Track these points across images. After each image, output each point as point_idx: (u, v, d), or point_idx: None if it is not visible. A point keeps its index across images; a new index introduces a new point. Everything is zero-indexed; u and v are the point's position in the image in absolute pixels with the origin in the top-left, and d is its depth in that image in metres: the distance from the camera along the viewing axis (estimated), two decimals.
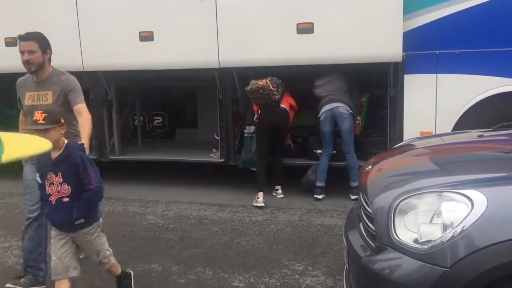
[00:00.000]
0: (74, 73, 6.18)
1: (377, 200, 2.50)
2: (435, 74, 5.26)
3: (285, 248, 4.32)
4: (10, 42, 6.48)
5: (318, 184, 5.80)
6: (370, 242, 2.49)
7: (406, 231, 2.27)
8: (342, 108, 5.63)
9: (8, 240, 4.56)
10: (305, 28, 5.44)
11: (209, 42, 5.77)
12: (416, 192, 2.35)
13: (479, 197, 2.14)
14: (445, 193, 2.26)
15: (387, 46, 5.28)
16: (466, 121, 5.12)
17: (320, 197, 5.76)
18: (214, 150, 6.64)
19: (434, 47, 5.25)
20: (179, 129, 8.36)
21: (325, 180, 5.79)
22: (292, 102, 5.97)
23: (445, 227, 2.16)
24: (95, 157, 6.80)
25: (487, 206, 2.10)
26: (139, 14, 6.01)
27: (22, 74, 6.77)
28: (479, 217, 2.09)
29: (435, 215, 2.22)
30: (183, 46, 5.88)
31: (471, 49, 5.12)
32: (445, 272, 2.10)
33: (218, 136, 6.44)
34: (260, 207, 5.53)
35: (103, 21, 6.13)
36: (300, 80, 6.04)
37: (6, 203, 5.92)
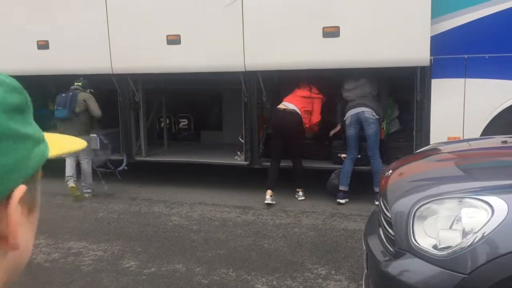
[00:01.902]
0: (103, 75, 6.43)
1: (396, 205, 2.49)
2: (464, 79, 5.18)
3: (308, 252, 4.32)
4: (42, 45, 6.66)
5: (341, 188, 5.77)
6: (389, 247, 2.48)
7: (425, 236, 2.26)
8: (368, 112, 5.59)
9: (38, 238, 4.70)
10: (331, 32, 5.43)
11: (235, 45, 5.81)
12: (436, 197, 2.34)
13: (499, 204, 2.12)
14: (465, 199, 2.25)
15: (414, 50, 5.22)
16: (495, 126, 5.02)
17: (342, 201, 5.73)
18: (238, 153, 6.68)
19: (462, 51, 5.17)
20: (204, 131, 8.44)
21: (348, 184, 5.75)
22: (307, 105, 5.87)
23: (465, 233, 2.14)
24: (123, 157, 6.94)
25: (507, 213, 2.08)
26: (166, 18, 6.10)
27: (53, 76, 6.98)
28: (500, 224, 2.07)
29: (455, 221, 2.21)
30: (210, 49, 5.94)
31: (501, 53, 5.02)
32: (464, 278, 2.08)
33: (242, 139, 6.47)
34: (268, 204, 5.65)
35: (132, 25, 6.25)
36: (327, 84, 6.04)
37: None
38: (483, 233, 2.08)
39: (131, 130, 6.91)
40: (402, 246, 2.33)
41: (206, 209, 5.72)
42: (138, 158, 7.00)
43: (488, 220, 2.10)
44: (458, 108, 5.23)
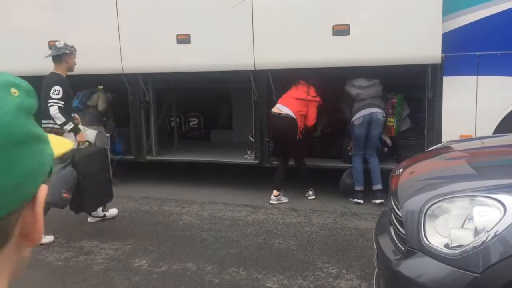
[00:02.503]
0: (114, 75, 6.46)
1: (407, 203, 2.48)
2: (476, 76, 5.13)
3: (319, 251, 4.31)
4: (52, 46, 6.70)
5: (358, 188, 5.71)
6: (400, 246, 2.47)
7: (436, 235, 2.25)
8: (380, 114, 5.54)
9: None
10: (341, 30, 5.41)
11: (245, 44, 5.81)
12: (448, 196, 2.32)
13: (511, 202, 2.10)
14: (477, 198, 2.23)
15: (425, 48, 5.18)
16: (508, 124, 4.96)
17: (361, 201, 5.66)
18: (248, 152, 6.68)
19: (474, 49, 5.12)
20: (214, 130, 8.45)
21: (364, 183, 5.70)
22: (302, 108, 5.70)
23: (477, 232, 2.12)
24: (133, 157, 6.97)
25: None
26: (176, 18, 6.12)
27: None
28: (510, 224, 2.05)
29: (466, 220, 2.19)
30: (220, 48, 5.94)
31: None
32: (476, 277, 2.07)
33: (252, 138, 6.47)
34: (272, 204, 5.70)
35: (142, 25, 6.27)
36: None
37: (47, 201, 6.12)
38: (496, 232, 2.07)
39: (142, 130, 6.94)
40: (413, 245, 2.31)
41: (217, 208, 5.73)
42: (149, 158, 7.03)
43: (501, 219, 2.08)
44: (470, 106, 5.18)
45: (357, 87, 5.65)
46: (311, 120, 5.82)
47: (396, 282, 2.43)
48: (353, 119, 5.64)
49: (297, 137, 5.71)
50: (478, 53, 5.10)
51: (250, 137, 6.62)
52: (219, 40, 5.94)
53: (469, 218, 2.18)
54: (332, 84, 5.99)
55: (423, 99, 5.69)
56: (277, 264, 4.03)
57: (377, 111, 5.54)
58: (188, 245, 4.54)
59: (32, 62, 6.83)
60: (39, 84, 7.37)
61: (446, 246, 2.19)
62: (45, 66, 5.41)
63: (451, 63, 5.20)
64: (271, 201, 5.76)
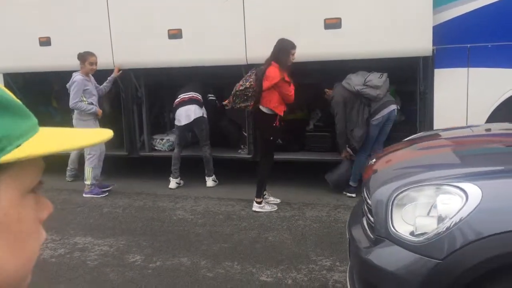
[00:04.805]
0: (105, 71, 6.43)
1: (377, 193, 2.52)
2: (466, 68, 5.16)
3: (313, 244, 4.33)
4: (44, 42, 6.67)
5: (352, 184, 5.71)
6: (370, 235, 2.53)
7: (403, 223, 2.30)
8: (396, 110, 5.51)
9: None
10: (333, 24, 5.41)
11: (236, 38, 5.80)
12: (415, 185, 2.37)
13: (473, 190, 2.15)
14: (442, 186, 2.28)
15: (416, 40, 5.20)
16: (499, 115, 5.00)
17: (354, 195, 5.64)
18: (242, 146, 6.69)
19: (465, 41, 5.15)
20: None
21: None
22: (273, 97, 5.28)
23: (440, 220, 2.18)
24: (126, 153, 6.96)
25: (481, 199, 2.11)
26: (167, 13, 6.09)
27: (56, 73, 6.97)
28: (473, 210, 2.10)
29: (432, 208, 2.24)
30: (211, 43, 5.93)
31: (504, 42, 4.99)
32: (438, 264, 2.12)
33: (246, 132, 6.48)
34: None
35: (133, 20, 6.24)
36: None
37: None
38: (457, 220, 2.12)
39: (135, 126, 6.92)
40: (381, 233, 2.37)
41: (211, 203, 5.74)
42: (142, 153, 7.01)
43: (462, 207, 2.13)
44: (461, 97, 5.21)
45: (374, 87, 5.44)
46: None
47: (365, 271, 2.47)
48: (372, 119, 5.48)
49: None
50: (469, 45, 5.13)
51: (243, 131, 6.62)
52: (210, 35, 5.93)
53: (434, 206, 2.23)
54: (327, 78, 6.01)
55: (415, 91, 5.71)
56: (271, 258, 4.05)
57: (395, 108, 5.50)
58: (182, 240, 4.55)
59: (22, 59, 6.80)
60: (33, 81, 7.37)
61: (412, 234, 2.24)
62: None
63: (442, 56, 5.22)
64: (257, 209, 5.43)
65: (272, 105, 5.16)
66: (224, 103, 5.72)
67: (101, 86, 6.30)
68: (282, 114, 5.28)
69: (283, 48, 5.11)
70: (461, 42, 5.16)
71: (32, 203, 0.58)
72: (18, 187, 0.55)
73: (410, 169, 2.78)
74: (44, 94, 7.60)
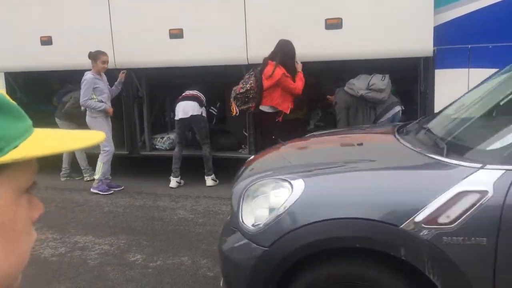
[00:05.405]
0: (107, 70, 6.45)
1: (236, 187, 2.76)
2: (467, 69, 5.16)
3: None
4: (45, 41, 6.68)
5: None
6: (230, 226, 2.73)
7: (250, 215, 2.51)
8: (401, 110, 5.48)
9: (44, 233, 4.74)
10: (334, 24, 5.42)
11: (238, 38, 5.81)
12: (260, 179, 2.62)
13: (298, 184, 2.39)
14: (277, 180, 2.52)
15: (417, 41, 5.20)
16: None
17: None
18: (242, 146, 6.69)
19: (466, 41, 5.15)
20: (208, 124, 8.41)
21: None
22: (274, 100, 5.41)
23: (271, 211, 2.41)
24: (127, 152, 6.97)
25: (303, 192, 2.34)
26: (169, 12, 6.10)
27: (56, 72, 6.99)
28: (294, 202, 2.33)
29: (268, 200, 2.49)
30: (212, 43, 5.94)
31: (505, 43, 4.99)
32: (265, 251, 2.35)
33: (246, 132, 6.48)
34: None
35: (134, 20, 6.25)
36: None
37: (43, 197, 6.12)
38: (282, 211, 2.35)
39: (135, 125, 6.93)
40: (235, 225, 2.57)
41: (211, 202, 5.74)
42: (143, 153, 7.02)
43: (287, 199, 2.35)
44: None
45: (378, 91, 5.42)
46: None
47: (221, 260, 2.69)
48: (378, 122, 5.47)
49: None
50: (469, 46, 5.13)
51: (244, 131, 6.63)
52: (211, 35, 5.94)
53: (269, 198, 2.48)
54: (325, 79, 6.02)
55: (416, 92, 5.71)
56: None
57: (400, 109, 5.49)
58: (182, 240, 4.56)
59: (23, 58, 6.81)
60: (34, 80, 7.38)
61: (253, 224, 2.46)
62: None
63: (443, 56, 5.23)
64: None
65: (275, 102, 5.20)
66: (233, 113, 5.71)
67: (112, 87, 6.33)
68: (287, 111, 5.32)
69: (290, 53, 5.17)
70: (462, 43, 5.16)
71: (26, 203, 0.58)
72: (14, 188, 0.56)
73: (267, 165, 3.05)
74: (45, 93, 7.61)
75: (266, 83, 5.18)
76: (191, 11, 5.99)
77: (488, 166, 2.14)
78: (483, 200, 2.05)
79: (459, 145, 2.49)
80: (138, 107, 6.95)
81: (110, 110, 6.14)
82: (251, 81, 5.30)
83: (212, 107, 6.80)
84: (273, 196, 2.45)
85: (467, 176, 2.13)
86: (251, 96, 5.28)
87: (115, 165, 6.70)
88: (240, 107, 5.43)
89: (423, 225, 2.09)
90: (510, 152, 2.17)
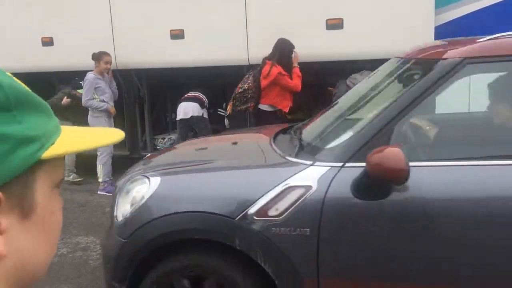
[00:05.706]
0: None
1: (118, 184, 2.92)
2: None
3: None
4: (46, 42, 6.68)
5: None
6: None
7: (120, 209, 2.67)
8: None
9: None
10: (335, 24, 5.42)
11: (238, 39, 5.81)
12: (132, 177, 2.77)
13: (155, 181, 2.56)
14: (141, 177, 2.67)
15: (418, 41, 5.18)
16: None
17: None
18: None
19: None
20: (210, 125, 8.42)
21: None
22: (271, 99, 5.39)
23: (131, 206, 2.57)
24: (128, 153, 6.97)
25: (157, 187, 2.52)
26: (170, 13, 6.10)
27: (57, 73, 6.99)
28: (150, 197, 2.50)
29: (132, 195, 2.64)
30: (213, 43, 5.94)
31: None
32: (124, 243, 2.51)
33: None
34: None
35: (135, 20, 6.25)
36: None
37: None
38: (139, 206, 2.52)
39: (136, 125, 6.94)
40: (112, 219, 2.72)
41: None
42: (144, 153, 7.02)
43: (144, 195, 2.52)
44: (463, 99, 5.20)
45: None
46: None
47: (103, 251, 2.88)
48: None
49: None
50: None
51: None
52: (212, 35, 5.94)
53: (132, 193, 2.63)
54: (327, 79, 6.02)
55: None
56: None
57: None
58: None
59: (25, 59, 6.81)
60: (35, 81, 7.37)
61: (120, 218, 2.62)
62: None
63: None
64: None
65: (273, 100, 5.23)
66: (228, 112, 5.76)
67: (114, 89, 6.34)
68: (287, 109, 5.33)
69: (286, 51, 5.19)
70: None
71: (58, 196, 0.61)
72: (50, 182, 0.58)
73: (149, 163, 3.17)
74: (46, 94, 7.61)
75: (263, 82, 5.22)
76: (192, 11, 5.99)
77: (317, 163, 2.34)
78: (307, 194, 2.25)
79: (314, 146, 2.65)
80: (139, 108, 6.95)
81: (112, 110, 6.16)
82: (249, 81, 5.33)
83: (219, 109, 6.82)
84: (135, 192, 2.61)
85: (297, 173, 2.33)
86: (249, 95, 5.30)
87: (115, 166, 6.71)
88: (239, 106, 5.44)
89: (255, 217, 2.29)
90: (337, 150, 2.37)
